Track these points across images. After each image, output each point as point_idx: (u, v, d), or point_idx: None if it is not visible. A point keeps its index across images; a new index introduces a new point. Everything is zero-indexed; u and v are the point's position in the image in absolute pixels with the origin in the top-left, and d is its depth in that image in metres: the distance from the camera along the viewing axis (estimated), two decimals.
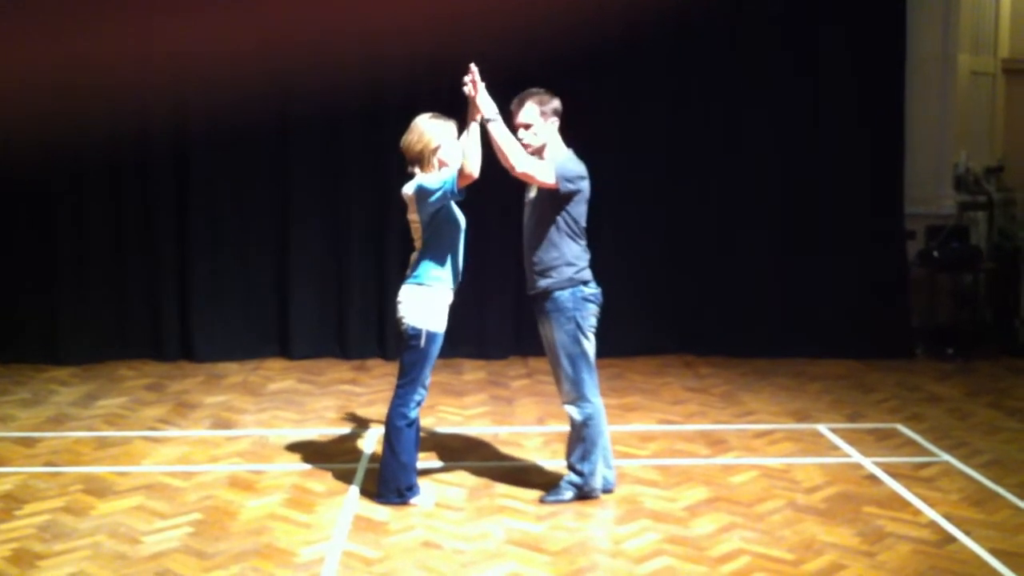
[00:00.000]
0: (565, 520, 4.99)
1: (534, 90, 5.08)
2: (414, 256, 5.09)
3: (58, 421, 6.59)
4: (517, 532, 4.85)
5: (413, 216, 5.05)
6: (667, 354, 8.37)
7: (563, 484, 5.23)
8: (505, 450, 6.05)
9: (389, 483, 5.13)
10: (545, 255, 5.04)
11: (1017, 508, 5.17)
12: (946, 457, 5.93)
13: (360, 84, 7.81)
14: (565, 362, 5.07)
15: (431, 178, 4.93)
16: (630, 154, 8.22)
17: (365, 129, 8.06)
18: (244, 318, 8.24)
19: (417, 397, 5.08)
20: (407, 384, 5.05)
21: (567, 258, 5.03)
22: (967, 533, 4.84)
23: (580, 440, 5.14)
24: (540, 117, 5.02)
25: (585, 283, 5.08)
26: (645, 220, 8.33)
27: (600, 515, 5.06)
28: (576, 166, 5.04)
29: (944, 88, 8.96)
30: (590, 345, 5.11)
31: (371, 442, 6.11)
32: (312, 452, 6.00)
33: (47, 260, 8.04)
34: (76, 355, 8.01)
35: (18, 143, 7.75)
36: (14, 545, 4.67)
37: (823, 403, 7.08)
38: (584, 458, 5.15)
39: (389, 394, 7.16)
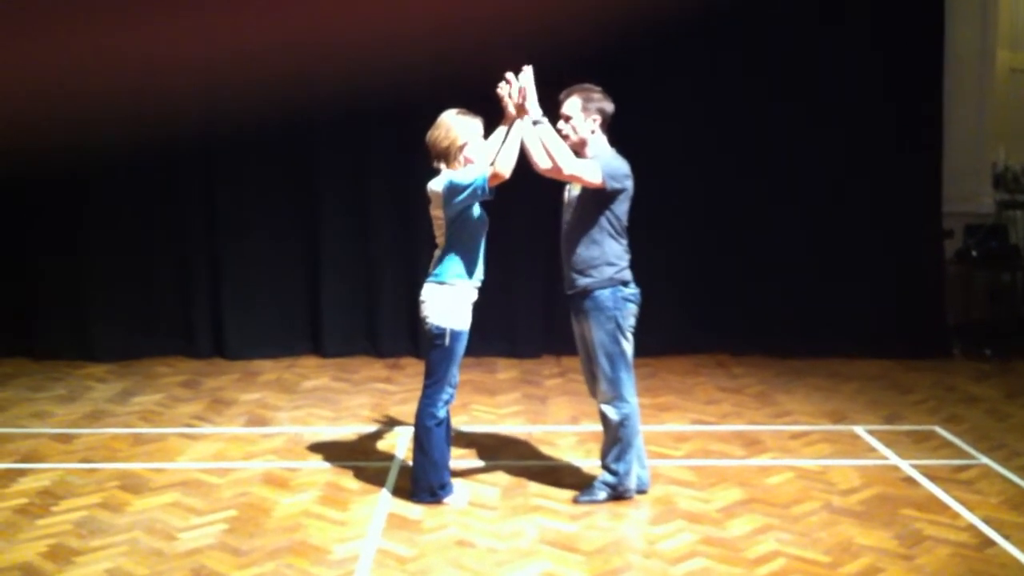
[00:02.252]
0: (599, 520, 4.97)
1: (585, 86, 5.07)
2: (437, 254, 5.05)
3: (94, 417, 6.64)
4: (551, 531, 4.84)
5: (437, 212, 5.00)
6: (700, 353, 8.33)
7: (597, 484, 5.21)
8: (539, 449, 6.04)
9: (421, 482, 5.12)
10: (586, 253, 5.01)
11: None
12: (985, 459, 5.86)
13: (388, 80, 7.81)
14: (604, 362, 5.04)
15: (461, 175, 4.89)
16: (663, 154, 8.17)
17: (395, 125, 8.06)
18: (277, 315, 8.28)
19: (445, 396, 5.06)
20: (434, 384, 5.04)
21: (608, 257, 5.00)
22: (1007, 537, 4.78)
23: (616, 440, 5.12)
24: (582, 112, 5.00)
25: (625, 283, 5.05)
26: (678, 219, 8.28)
27: (634, 515, 5.04)
28: (622, 165, 5.01)
29: (982, 85, 8.88)
30: (629, 345, 5.08)
31: (405, 440, 6.11)
32: (346, 450, 6.01)
33: (81, 257, 8.11)
34: (112, 352, 8.07)
35: (48, 142, 7.81)
36: (51, 541, 4.71)
37: (859, 404, 7.02)
38: (619, 458, 5.13)
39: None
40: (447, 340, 4.97)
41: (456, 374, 5.11)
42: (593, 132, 5.04)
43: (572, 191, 5.11)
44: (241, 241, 8.20)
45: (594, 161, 4.95)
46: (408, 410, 6.76)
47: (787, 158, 8.31)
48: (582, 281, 5.03)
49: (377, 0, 7.46)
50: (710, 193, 8.33)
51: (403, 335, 8.29)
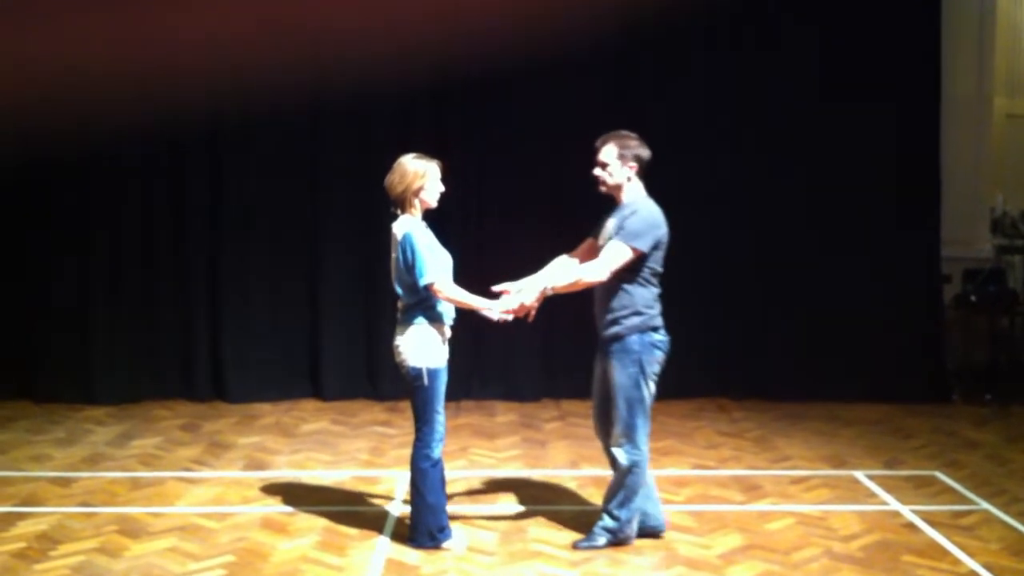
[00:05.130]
0: (598, 566, 4.95)
1: (622, 132, 5.12)
2: (401, 302, 5.05)
3: (93, 461, 6.62)
4: None
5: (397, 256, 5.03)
6: (701, 397, 8.31)
7: (597, 530, 5.18)
8: (538, 494, 6.02)
9: (419, 527, 5.10)
10: (616, 302, 5.02)
11: None
12: (985, 505, 5.84)
13: (399, 110, 7.91)
14: (622, 405, 5.03)
15: (423, 251, 4.92)
16: (664, 197, 8.19)
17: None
18: (277, 359, 8.28)
19: (437, 436, 5.04)
20: (425, 425, 5.02)
21: (637, 306, 5.01)
22: None
23: (621, 486, 5.10)
24: (618, 160, 5.05)
25: (655, 329, 5.06)
26: (678, 263, 8.27)
27: (634, 562, 5.01)
28: (650, 219, 5.02)
29: (980, 131, 8.96)
30: (649, 393, 5.07)
31: (403, 484, 6.09)
32: (345, 494, 5.99)
33: (81, 300, 8.13)
34: (111, 395, 8.06)
35: (49, 175, 7.87)
36: None
37: (859, 448, 7.01)
38: (623, 504, 5.11)
39: None
40: (425, 379, 4.97)
41: (442, 412, 5.07)
42: (629, 179, 5.09)
43: (604, 238, 5.11)
44: (241, 284, 8.22)
45: (614, 243, 4.97)
46: (407, 453, 6.70)
47: (785, 205, 8.35)
48: (611, 329, 5.04)
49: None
50: (710, 236, 8.34)
51: (402, 379, 8.25)
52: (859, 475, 6.39)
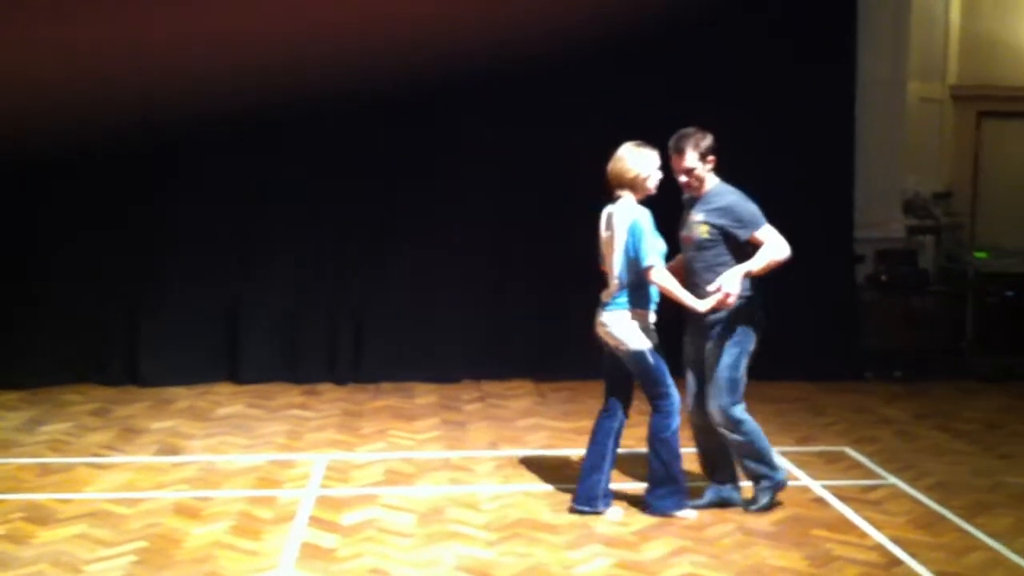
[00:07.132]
0: (516, 546, 4.96)
1: (688, 132, 5.25)
2: (615, 282, 5.24)
3: (0, 447, 6.45)
4: (468, 558, 4.81)
5: (608, 235, 5.25)
6: None
7: (758, 493, 5.37)
8: (456, 475, 6.01)
9: (663, 492, 5.32)
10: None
11: (962, 530, 5.22)
12: (893, 480, 5.98)
13: (333, 103, 7.82)
14: (723, 383, 5.21)
15: (648, 233, 5.13)
16: (576, 177, 8.20)
17: (331, 153, 8.09)
18: (193, 342, 8.13)
19: (676, 407, 5.27)
20: (663, 398, 5.25)
21: (744, 291, 5.18)
22: (913, 556, 4.87)
23: (744, 444, 5.26)
24: (700, 162, 5.22)
25: (760, 306, 5.27)
26: (588, 243, 8.32)
27: (551, 540, 5.04)
28: (746, 201, 5.24)
29: (893, 114, 9.09)
30: (746, 368, 5.27)
31: (320, 467, 6.06)
32: (260, 478, 5.92)
33: None
34: (22, 379, 7.85)
35: None
36: None
37: (775, 426, 7.08)
38: (760, 458, 5.31)
39: (340, 419, 7.17)
40: (650, 359, 5.22)
41: (671, 380, 5.27)
42: (710, 171, 5.25)
43: (694, 231, 5.25)
44: (157, 266, 8.06)
45: (764, 229, 5.22)
46: (324, 437, 6.72)
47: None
48: (719, 314, 5.18)
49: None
50: None
51: (320, 361, 8.20)
52: None
